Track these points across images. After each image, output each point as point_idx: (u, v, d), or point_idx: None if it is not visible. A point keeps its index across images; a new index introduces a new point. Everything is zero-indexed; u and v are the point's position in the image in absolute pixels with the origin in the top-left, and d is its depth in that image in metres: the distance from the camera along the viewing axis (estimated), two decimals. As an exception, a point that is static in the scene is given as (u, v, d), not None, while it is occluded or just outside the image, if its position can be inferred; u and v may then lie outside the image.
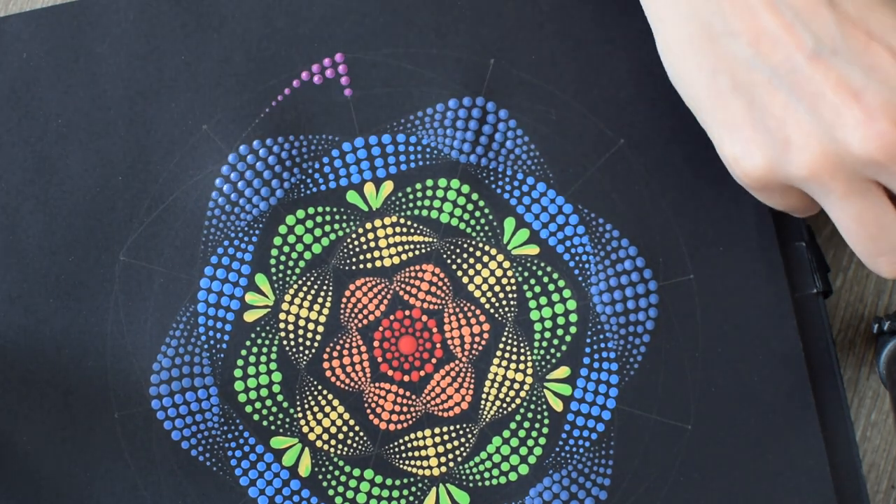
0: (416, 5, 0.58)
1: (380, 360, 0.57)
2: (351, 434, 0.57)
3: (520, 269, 0.57)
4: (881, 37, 0.47)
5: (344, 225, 0.57)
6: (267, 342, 0.57)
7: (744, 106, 0.49)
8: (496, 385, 0.57)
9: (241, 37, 0.58)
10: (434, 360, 0.57)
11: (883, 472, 0.59)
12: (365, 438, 0.56)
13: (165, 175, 0.57)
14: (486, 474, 0.56)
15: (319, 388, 0.57)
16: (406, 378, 0.57)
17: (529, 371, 0.57)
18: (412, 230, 0.57)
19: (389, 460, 0.56)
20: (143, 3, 0.58)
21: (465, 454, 0.57)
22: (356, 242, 0.57)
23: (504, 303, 0.57)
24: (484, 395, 0.57)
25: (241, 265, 0.57)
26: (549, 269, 0.57)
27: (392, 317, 0.57)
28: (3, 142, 0.57)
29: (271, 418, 0.56)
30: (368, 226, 0.57)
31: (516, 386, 0.57)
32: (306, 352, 0.57)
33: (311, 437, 0.56)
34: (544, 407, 0.57)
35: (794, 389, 0.56)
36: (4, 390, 0.56)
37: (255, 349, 0.57)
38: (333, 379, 0.57)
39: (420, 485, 0.56)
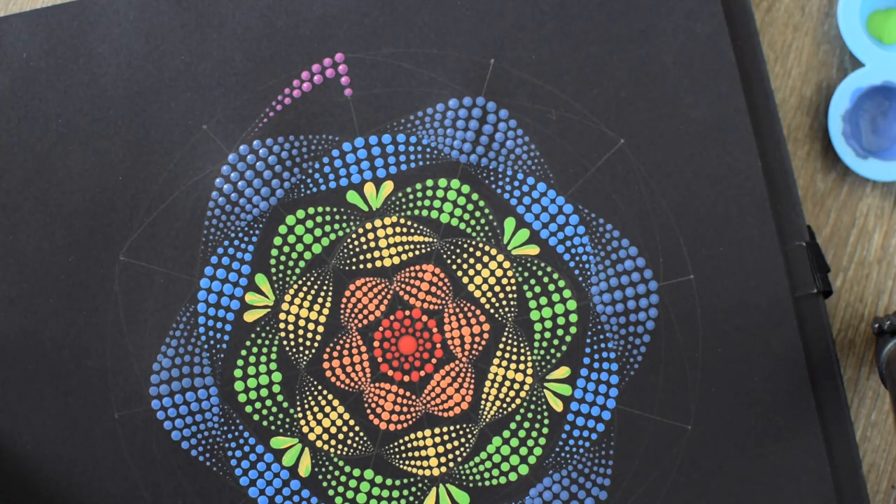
0: (416, 5, 0.58)
1: (380, 360, 0.57)
2: (351, 434, 0.57)
3: (520, 269, 0.57)
4: None
5: (344, 225, 0.57)
6: (267, 342, 0.57)
7: None
8: (496, 385, 0.57)
9: (241, 37, 0.58)
10: (434, 360, 0.57)
11: (883, 472, 0.59)
12: (365, 438, 0.56)
13: (165, 175, 0.57)
14: (486, 474, 0.56)
15: (319, 388, 0.57)
16: (406, 378, 0.57)
17: (529, 371, 0.57)
18: (412, 230, 0.57)
19: (389, 460, 0.56)
20: (143, 3, 0.58)
21: (465, 454, 0.57)
22: (356, 242, 0.57)
23: (504, 303, 0.57)
24: (484, 396, 0.57)
25: (241, 265, 0.57)
26: (549, 269, 0.57)
27: (392, 317, 0.57)
28: (3, 142, 0.57)
29: (271, 418, 0.56)
30: (368, 226, 0.57)
31: (516, 386, 0.57)
32: (306, 352, 0.57)
33: (311, 437, 0.56)
34: (544, 407, 0.57)
35: (794, 389, 0.56)
36: (4, 390, 0.56)
37: (255, 349, 0.57)
38: (333, 379, 0.57)
39: (420, 485, 0.56)
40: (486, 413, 0.57)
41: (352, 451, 0.56)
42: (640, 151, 0.57)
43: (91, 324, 0.56)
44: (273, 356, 0.57)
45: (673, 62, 0.57)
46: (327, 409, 0.57)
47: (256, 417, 0.56)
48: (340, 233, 0.57)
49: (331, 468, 0.56)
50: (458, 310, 0.57)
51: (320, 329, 0.57)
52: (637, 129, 0.57)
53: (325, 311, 0.57)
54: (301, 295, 0.57)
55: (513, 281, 0.57)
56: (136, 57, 0.57)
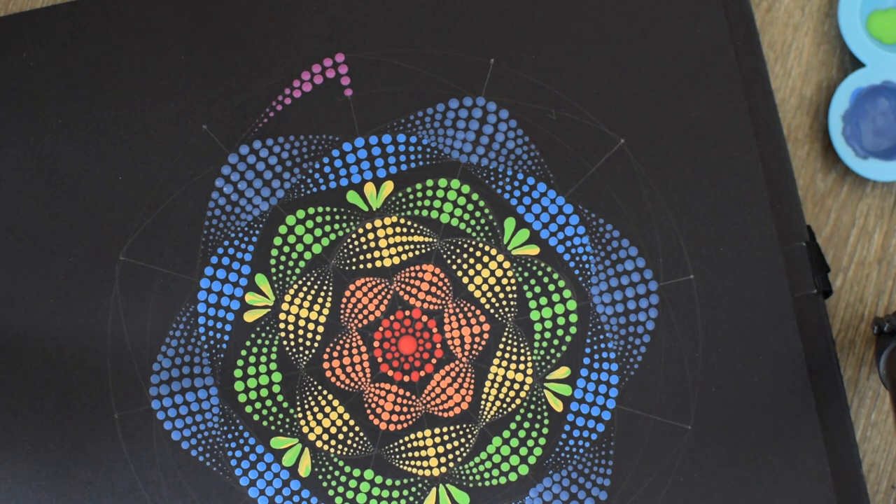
0: (417, 5, 0.58)
1: (380, 360, 0.57)
2: (351, 434, 0.57)
3: (520, 269, 0.57)
4: None
5: (344, 225, 0.57)
6: (267, 342, 0.57)
7: None
8: (496, 385, 0.57)
9: (241, 37, 0.58)
10: (434, 361, 0.57)
11: (883, 472, 0.59)
12: (365, 438, 0.56)
13: (165, 175, 0.57)
14: (486, 474, 0.56)
15: (319, 388, 0.57)
16: (406, 378, 0.57)
17: (529, 371, 0.57)
18: (412, 230, 0.57)
19: (389, 460, 0.56)
20: (143, 3, 0.58)
21: (465, 454, 0.57)
22: (356, 242, 0.57)
23: (504, 303, 0.57)
24: (484, 396, 0.57)
25: (241, 265, 0.57)
26: (549, 269, 0.57)
27: (392, 317, 0.57)
28: (3, 142, 0.57)
29: (271, 418, 0.56)
30: (368, 226, 0.57)
31: (516, 386, 0.57)
32: (306, 352, 0.57)
33: (311, 437, 0.56)
34: (544, 407, 0.57)
35: (794, 389, 0.56)
36: (4, 390, 0.56)
37: (255, 349, 0.57)
38: (333, 379, 0.57)
39: (420, 485, 0.56)
40: (486, 413, 0.57)
41: (352, 451, 0.56)
42: (640, 151, 0.57)
43: (91, 324, 0.56)
44: (273, 356, 0.57)
45: (673, 62, 0.57)
46: (327, 409, 0.57)
47: (256, 417, 0.56)
48: (340, 233, 0.57)
49: (331, 468, 0.56)
50: (458, 310, 0.57)
51: (320, 329, 0.57)
52: (637, 129, 0.57)
53: (325, 311, 0.57)
54: (301, 295, 0.57)
55: (513, 281, 0.57)
56: (136, 57, 0.57)
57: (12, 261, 0.57)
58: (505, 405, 0.57)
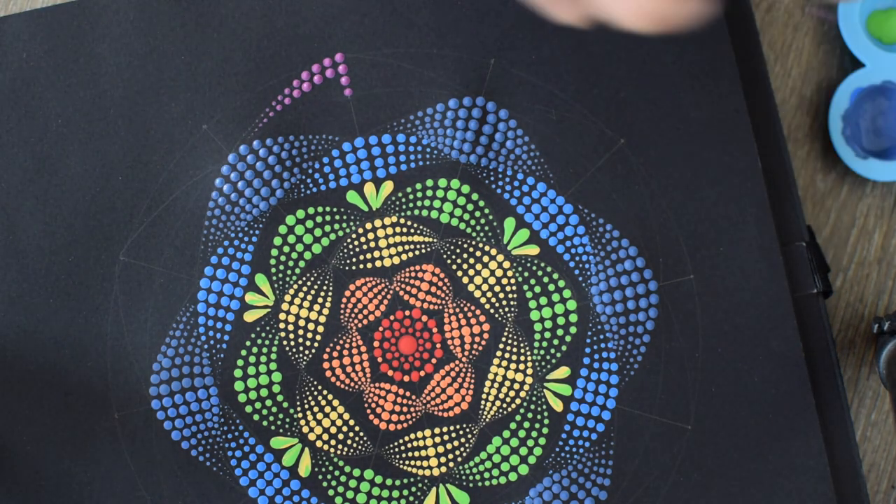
0: (416, 5, 0.58)
1: (380, 360, 0.57)
2: (351, 434, 0.57)
3: (520, 269, 0.57)
4: None
5: (344, 225, 0.57)
6: (267, 342, 0.57)
7: None
8: (496, 385, 0.57)
9: (241, 37, 0.57)
10: (434, 360, 0.57)
11: (883, 472, 0.59)
12: (365, 438, 0.56)
13: (165, 175, 0.57)
14: (486, 474, 0.56)
15: (319, 388, 0.57)
16: (406, 378, 0.57)
17: (529, 371, 0.57)
18: (412, 230, 0.57)
19: (389, 460, 0.56)
20: (143, 3, 0.58)
21: (465, 454, 0.57)
22: (356, 242, 0.57)
23: (504, 303, 0.57)
24: (484, 396, 0.57)
25: (241, 265, 0.57)
26: (549, 269, 0.57)
27: (392, 317, 0.57)
28: (3, 142, 0.57)
29: (271, 418, 0.56)
30: (368, 226, 0.57)
31: (516, 386, 0.57)
32: (306, 352, 0.57)
33: (311, 437, 0.56)
34: (544, 407, 0.57)
35: (794, 389, 0.56)
36: (4, 390, 0.56)
37: (255, 349, 0.57)
38: (333, 379, 0.57)
39: (420, 485, 0.56)
40: (486, 413, 0.57)
41: (352, 451, 0.56)
42: (640, 151, 0.57)
43: (91, 324, 0.56)
44: (273, 356, 0.57)
45: (673, 62, 0.57)
46: (327, 409, 0.57)
47: (256, 417, 0.56)
48: (340, 233, 0.57)
49: (331, 468, 0.56)
50: (458, 310, 0.57)
51: (320, 329, 0.57)
52: (637, 129, 0.57)
53: (325, 311, 0.57)
54: (301, 295, 0.57)
55: (513, 281, 0.57)
56: (136, 57, 0.57)
57: (12, 261, 0.57)
58: (505, 405, 0.57)
